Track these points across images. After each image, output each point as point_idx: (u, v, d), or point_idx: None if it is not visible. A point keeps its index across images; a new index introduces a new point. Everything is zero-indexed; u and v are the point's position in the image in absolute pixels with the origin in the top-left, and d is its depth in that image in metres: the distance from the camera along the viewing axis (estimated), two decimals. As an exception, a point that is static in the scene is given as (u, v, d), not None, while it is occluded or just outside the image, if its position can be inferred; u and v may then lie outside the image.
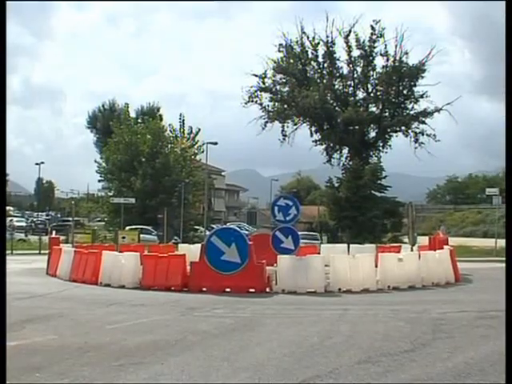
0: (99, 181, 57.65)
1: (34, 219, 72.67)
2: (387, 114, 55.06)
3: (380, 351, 9.10)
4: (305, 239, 36.72)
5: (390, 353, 8.97)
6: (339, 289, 18.21)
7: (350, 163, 53.32)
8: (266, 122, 55.36)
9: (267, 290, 18.13)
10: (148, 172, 50.90)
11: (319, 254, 26.76)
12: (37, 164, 77.75)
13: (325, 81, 54.72)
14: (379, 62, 54.50)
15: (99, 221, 62.99)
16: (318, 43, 54.92)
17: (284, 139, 55.44)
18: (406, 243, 30.91)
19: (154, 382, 7.53)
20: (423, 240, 30.13)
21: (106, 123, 64.84)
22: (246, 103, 55.43)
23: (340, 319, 12.76)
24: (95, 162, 55.44)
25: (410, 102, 54.54)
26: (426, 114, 53.72)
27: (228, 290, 17.69)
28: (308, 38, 55.15)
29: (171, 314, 13.45)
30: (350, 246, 30.21)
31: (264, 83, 55.75)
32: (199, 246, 20.35)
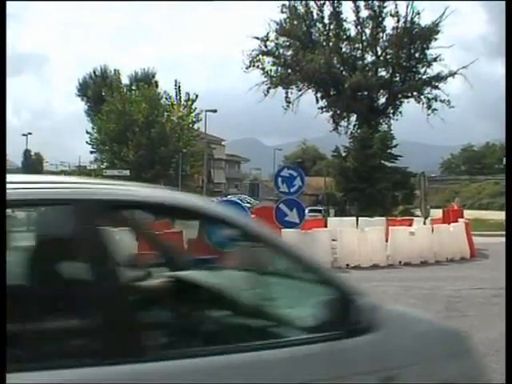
0: (91, 152, 57.75)
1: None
2: (398, 78, 54.86)
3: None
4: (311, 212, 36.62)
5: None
6: (347, 264, 18.37)
7: (358, 131, 53.25)
8: (269, 88, 55.27)
9: None
10: (143, 142, 50.95)
11: (326, 227, 26.60)
12: (24, 135, 77.57)
13: (331, 43, 54.43)
14: (389, 23, 54.39)
15: (92, 195, 63.07)
16: (324, 3, 54.65)
17: (288, 106, 55.40)
18: (418, 216, 30.92)
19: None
20: (436, 213, 30.09)
21: (98, 91, 64.65)
22: (246, 68, 55.30)
23: None
24: (86, 132, 55.60)
25: (423, 66, 54.33)
26: (439, 78, 53.51)
27: None
28: (313, -3, 54.78)
29: None
30: (359, 219, 30.26)
31: (266, 46, 55.53)
32: (197, 221, 20.25)
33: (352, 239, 18.88)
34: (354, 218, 31.63)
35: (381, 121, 55.17)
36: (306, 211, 50.65)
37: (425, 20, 54.42)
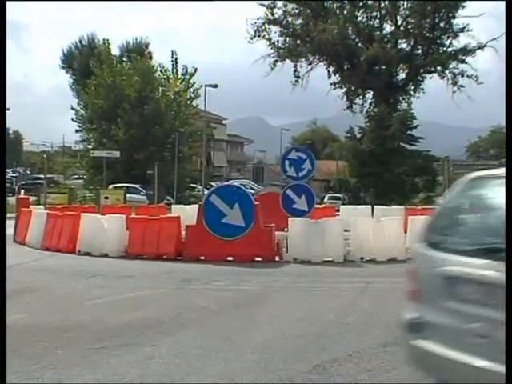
0: (77, 131, 57.57)
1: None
2: (420, 51, 54.59)
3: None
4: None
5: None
6: (361, 258, 18.32)
7: (375, 110, 53.13)
8: (276, 61, 55.05)
9: (276, 258, 18.24)
10: (135, 120, 50.84)
11: (338, 216, 26.74)
12: (2, 111, 77.53)
13: (345, 12, 54.16)
14: (411, -12, 53.83)
15: (77, 178, 63.33)
16: (338, -34, 54.22)
17: (296, 81, 55.26)
18: (440, 205, 30.96)
19: (142, 367, 7.54)
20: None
21: (85, 62, 64.39)
22: (251, 38, 55.05)
23: (362, 294, 12.85)
24: (72, 108, 55.42)
25: (448, 38, 54.01)
26: (466, 51, 53.20)
27: (230, 258, 17.81)
28: (326, -42, 54.45)
29: (163, 288, 13.56)
30: (375, 207, 30.31)
31: (273, 14, 55.20)
32: (196, 206, 20.41)
33: (367, 230, 18.73)
34: (369, 207, 31.58)
35: (400, 98, 55.01)
36: (326, 198, 50.64)
37: (451, -15, 53.57)
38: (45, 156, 55.57)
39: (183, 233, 19.01)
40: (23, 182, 59.78)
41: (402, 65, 54.74)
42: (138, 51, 65.90)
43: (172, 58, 56.05)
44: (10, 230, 23.24)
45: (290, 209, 20.36)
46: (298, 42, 54.91)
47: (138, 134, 50.66)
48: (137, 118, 50.94)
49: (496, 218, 4.92)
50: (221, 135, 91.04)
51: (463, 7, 52.94)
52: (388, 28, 55.24)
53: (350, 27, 54.07)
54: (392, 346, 8.29)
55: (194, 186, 55.64)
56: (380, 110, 51.65)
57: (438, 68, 54.04)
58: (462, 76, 53.51)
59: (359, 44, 54.43)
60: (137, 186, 48.09)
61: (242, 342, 8.74)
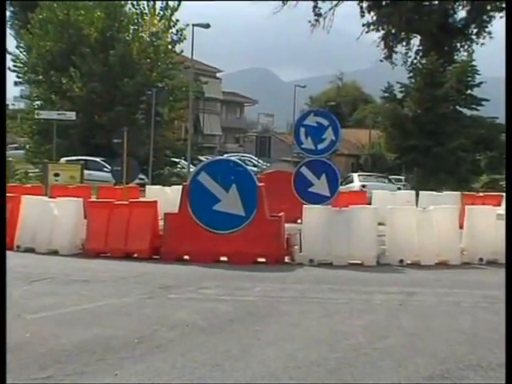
0: (16, 84, 57.67)
1: None
2: (486, -21, 54.33)
3: (465, 362, 9.09)
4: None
5: (481, 365, 8.95)
6: (400, 260, 18.33)
7: (423, 61, 53.02)
8: (289, -7, 54.93)
9: (286, 259, 18.33)
10: (96, 70, 50.84)
11: (369, 204, 26.70)
12: None
13: None
14: None
15: (16, 148, 63.15)
16: None
17: (317, 21, 55.41)
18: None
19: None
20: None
21: (27, -10, 64.26)
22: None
23: (401, 308, 12.81)
24: (8, 53, 55.17)
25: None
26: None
27: (224, 258, 17.95)
28: None
29: (132, 296, 13.56)
30: (420, 193, 30.42)
31: None
32: (179, 188, 20.43)
33: (409, 223, 18.66)
34: (413, 192, 31.71)
35: (458, 45, 54.93)
36: (356, 179, 50.07)
37: None
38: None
39: (161, 223, 19.07)
40: None
41: (461, 0, 54.58)
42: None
43: (147, -14, 55.94)
44: None
45: (306, 193, 20.43)
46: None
47: (100, 90, 50.72)
48: (99, 67, 50.92)
49: None
50: (214, 93, 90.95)
51: None
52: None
53: None
54: (442, 380, 8.28)
55: (176, 160, 55.66)
56: (430, 61, 51.59)
57: None
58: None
59: (403, -30, 54.12)
60: (98, 159, 48.12)
61: (238, 371, 8.60)
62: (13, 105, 66.42)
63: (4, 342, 7.31)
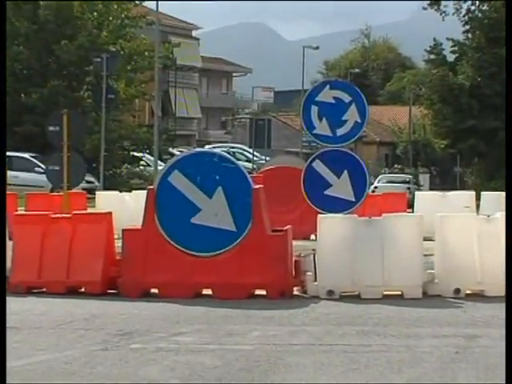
0: None
1: None
2: None
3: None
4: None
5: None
6: (456, 290, 16.11)
7: (484, 8, 48.45)
8: None
9: (295, 291, 16.39)
10: (22, 29, 46.64)
11: (411, 212, 26.29)
12: None
13: None
14: None
15: None
16: None
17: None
18: None
19: None
20: None
21: None
22: None
23: (460, 358, 11.16)
24: None
25: None
26: None
27: (208, 291, 16.14)
28: None
29: (79, 349, 11.88)
30: (482, 194, 30.21)
31: None
32: (143, 194, 17.91)
33: (467, 238, 16.04)
34: (472, 193, 30.30)
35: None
36: (383, 181, 47.28)
37: None
38: None
39: (118, 244, 16.88)
40: None
41: None
42: None
43: None
44: None
45: (321, 197, 18.25)
46: None
47: (27, 56, 47.23)
48: (26, 24, 46.90)
49: None
50: (189, 59, 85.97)
51: None
52: None
53: None
54: None
55: (138, 155, 52.70)
56: (494, 7, 46.88)
57: None
58: None
59: None
60: (27, 155, 45.20)
61: None
62: None
63: (4, 341, 7.84)
